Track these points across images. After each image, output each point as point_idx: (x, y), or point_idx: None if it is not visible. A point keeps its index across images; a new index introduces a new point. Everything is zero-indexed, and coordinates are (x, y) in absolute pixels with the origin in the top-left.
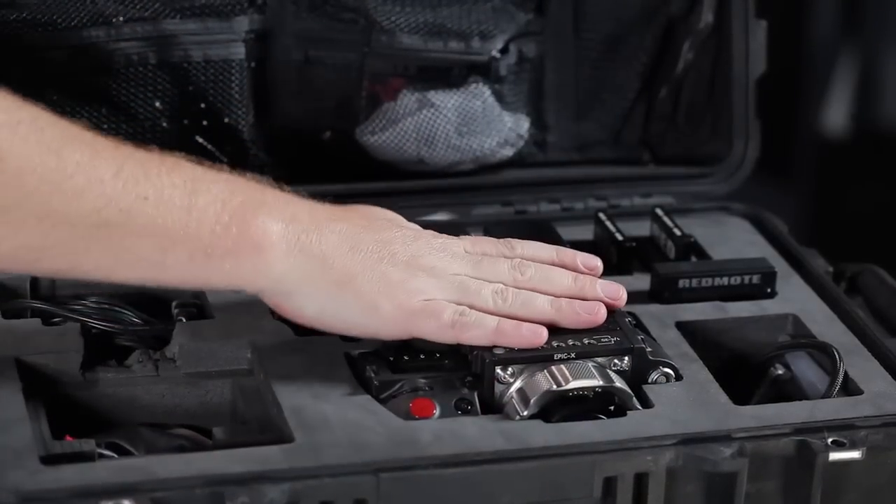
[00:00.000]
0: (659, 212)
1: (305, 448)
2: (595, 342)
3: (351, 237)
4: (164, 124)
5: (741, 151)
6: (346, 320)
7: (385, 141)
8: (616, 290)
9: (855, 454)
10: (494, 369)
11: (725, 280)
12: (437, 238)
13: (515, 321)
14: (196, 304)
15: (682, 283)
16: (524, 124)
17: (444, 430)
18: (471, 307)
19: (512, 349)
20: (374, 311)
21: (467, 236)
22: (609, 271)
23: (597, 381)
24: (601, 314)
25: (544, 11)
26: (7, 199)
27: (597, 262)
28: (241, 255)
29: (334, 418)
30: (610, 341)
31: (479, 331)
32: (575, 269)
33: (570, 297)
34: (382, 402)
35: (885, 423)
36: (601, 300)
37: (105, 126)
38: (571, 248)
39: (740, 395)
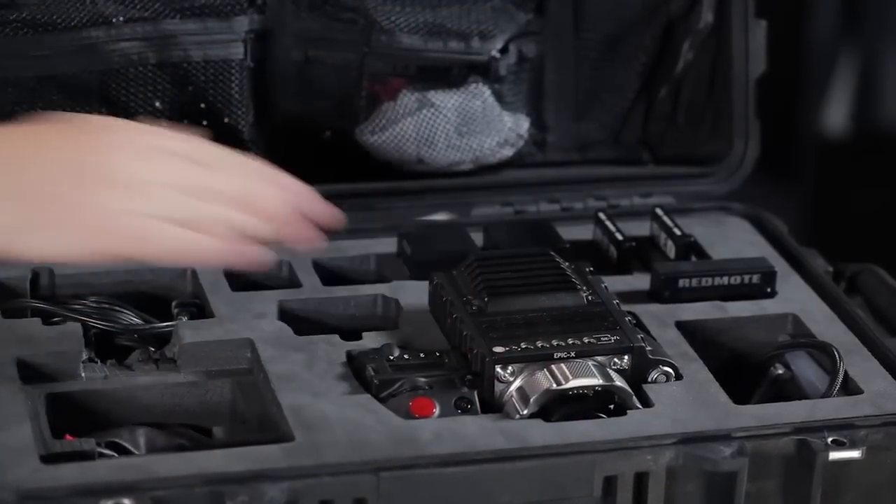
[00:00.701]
0: (659, 211)
1: (305, 447)
2: (595, 341)
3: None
4: (165, 124)
5: (741, 151)
6: (35, 246)
7: (385, 141)
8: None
9: (855, 453)
10: (494, 368)
11: (725, 280)
12: (133, 141)
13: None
14: (196, 304)
15: (682, 282)
16: (524, 124)
17: (443, 429)
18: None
19: (511, 346)
20: (58, 231)
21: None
22: (609, 271)
23: (597, 380)
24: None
25: (544, 11)
26: None
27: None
28: None
29: (334, 417)
30: (610, 340)
31: (163, 243)
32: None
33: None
34: (382, 400)
35: (885, 422)
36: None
37: None
38: (571, 247)
39: (740, 395)
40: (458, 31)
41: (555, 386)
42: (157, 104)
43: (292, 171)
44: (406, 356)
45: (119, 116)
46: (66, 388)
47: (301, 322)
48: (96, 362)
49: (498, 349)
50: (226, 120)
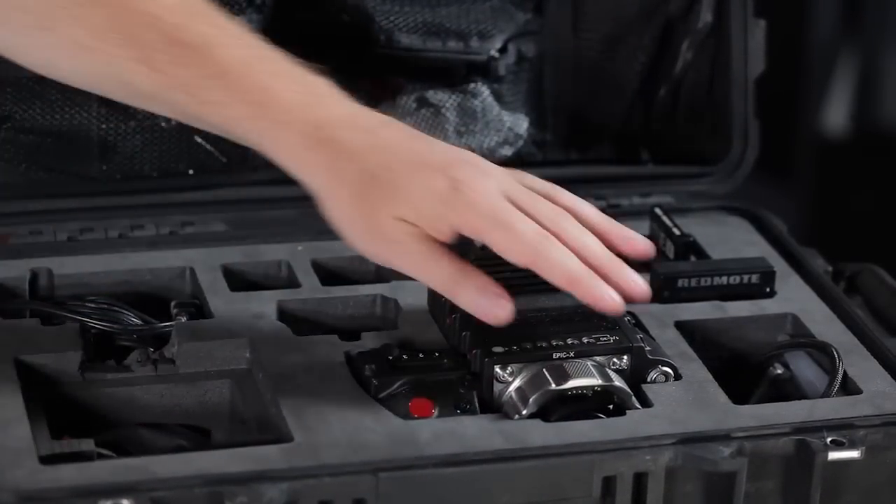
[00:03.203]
0: (658, 211)
1: (304, 448)
2: (594, 341)
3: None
4: (164, 124)
5: (740, 151)
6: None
7: None
8: (642, 290)
9: (854, 454)
10: (493, 368)
11: (724, 280)
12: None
13: (490, 284)
14: (195, 304)
15: (682, 282)
16: (523, 124)
17: (443, 430)
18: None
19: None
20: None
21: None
22: None
23: (596, 381)
24: (615, 305)
25: (543, 11)
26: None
27: (647, 247)
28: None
29: (333, 418)
30: (609, 340)
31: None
32: (614, 245)
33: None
34: (381, 401)
35: (885, 422)
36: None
37: (104, 126)
38: None
39: (739, 395)
40: (457, 31)
41: (554, 386)
42: None
43: None
44: (405, 356)
45: (119, 116)
46: (65, 389)
47: (300, 322)
48: (95, 363)
49: (497, 349)
50: None
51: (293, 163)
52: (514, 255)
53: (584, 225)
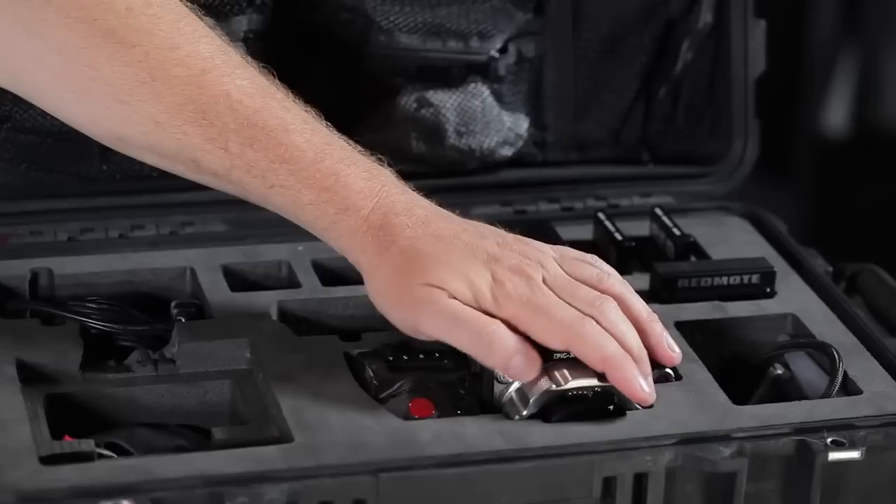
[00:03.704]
0: (658, 211)
1: (304, 448)
2: None
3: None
4: None
5: (740, 151)
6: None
7: (384, 141)
8: (652, 398)
9: (854, 454)
10: (494, 368)
11: (725, 280)
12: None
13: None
14: (195, 304)
15: (682, 282)
16: (523, 124)
17: (443, 430)
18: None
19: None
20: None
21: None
22: None
23: (596, 381)
24: (645, 395)
25: (543, 11)
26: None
27: (678, 359)
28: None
29: (333, 418)
30: None
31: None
32: (648, 347)
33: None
34: (381, 401)
35: (885, 422)
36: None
37: None
38: (571, 247)
39: (739, 395)
40: (457, 31)
41: (554, 387)
42: None
43: None
44: (405, 357)
45: None
46: (65, 389)
47: (300, 322)
48: (95, 363)
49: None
50: None
51: (346, 242)
52: (551, 338)
53: (627, 316)
